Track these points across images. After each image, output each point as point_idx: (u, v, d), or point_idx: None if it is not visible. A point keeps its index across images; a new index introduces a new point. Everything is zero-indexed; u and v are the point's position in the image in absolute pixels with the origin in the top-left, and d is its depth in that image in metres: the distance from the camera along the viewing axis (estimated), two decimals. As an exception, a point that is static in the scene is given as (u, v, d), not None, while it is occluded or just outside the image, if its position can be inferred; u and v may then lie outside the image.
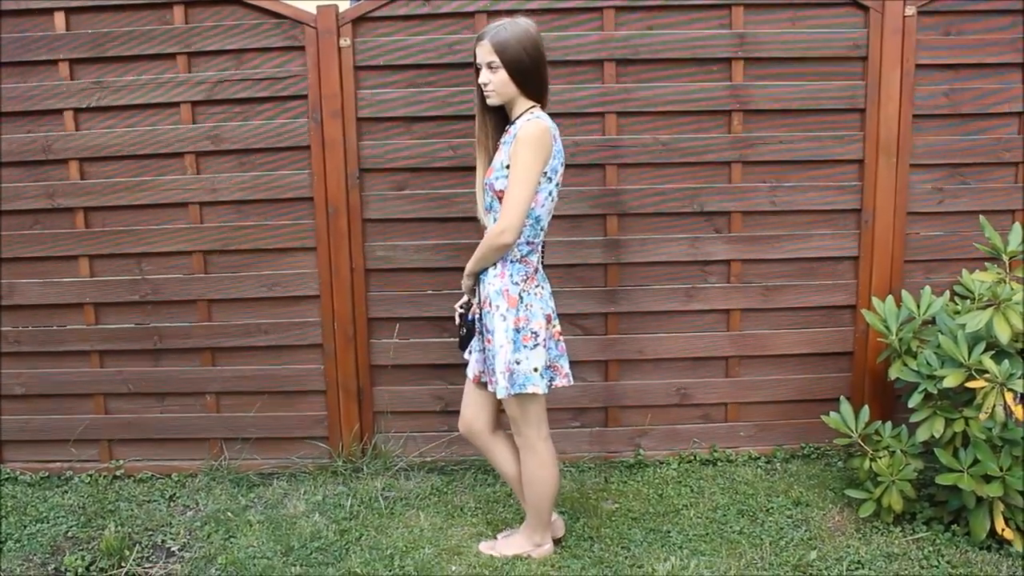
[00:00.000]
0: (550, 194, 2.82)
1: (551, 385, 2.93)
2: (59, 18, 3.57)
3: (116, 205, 3.71)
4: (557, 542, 3.19)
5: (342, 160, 3.63)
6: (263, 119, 3.65)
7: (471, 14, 3.55)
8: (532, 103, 2.81)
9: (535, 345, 2.83)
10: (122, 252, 3.74)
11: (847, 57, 3.59)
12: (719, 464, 3.81)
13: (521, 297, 2.83)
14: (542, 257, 2.94)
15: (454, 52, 3.56)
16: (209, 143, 3.65)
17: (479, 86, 2.81)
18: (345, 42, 3.55)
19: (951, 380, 3.00)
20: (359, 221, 3.68)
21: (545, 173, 2.76)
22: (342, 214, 3.66)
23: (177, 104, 3.63)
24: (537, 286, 2.88)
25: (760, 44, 3.56)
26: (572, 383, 3.01)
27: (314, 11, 3.55)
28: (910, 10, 3.52)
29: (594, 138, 3.62)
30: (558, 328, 2.96)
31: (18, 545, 3.33)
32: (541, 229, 2.86)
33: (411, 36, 3.58)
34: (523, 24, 2.75)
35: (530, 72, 2.76)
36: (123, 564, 3.17)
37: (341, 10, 3.57)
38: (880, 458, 3.22)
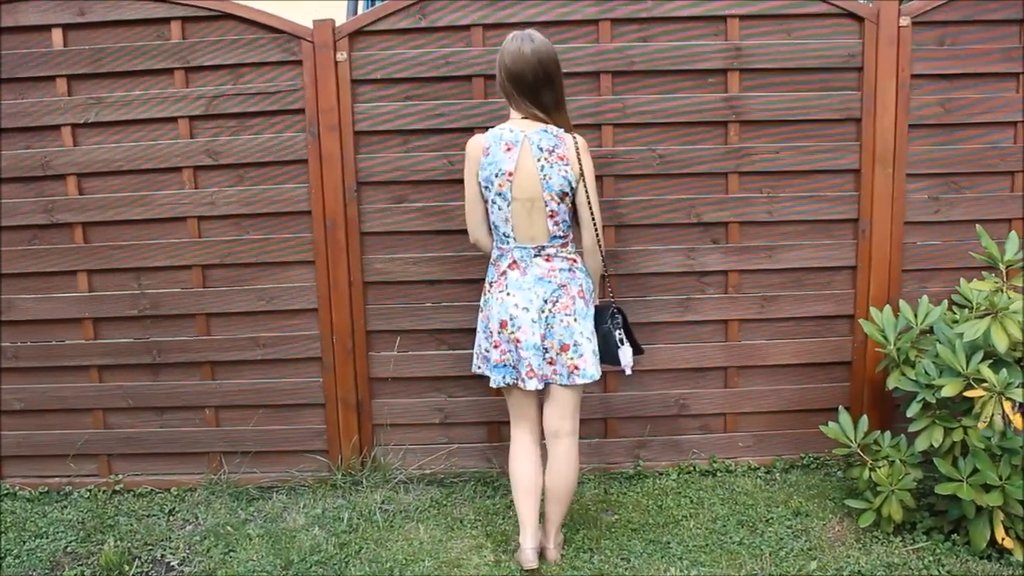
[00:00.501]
0: (493, 202, 2.95)
1: (514, 384, 3.03)
2: (57, 34, 3.59)
3: (115, 220, 3.71)
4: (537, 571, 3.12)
5: (340, 173, 3.64)
6: (261, 133, 3.66)
7: (467, 27, 3.56)
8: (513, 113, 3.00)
9: (491, 343, 3.03)
10: (121, 267, 3.75)
11: (843, 68, 3.59)
12: (718, 475, 3.80)
13: (486, 295, 3.04)
14: (528, 265, 2.96)
15: (450, 65, 3.57)
16: (207, 157, 3.66)
17: None
18: (342, 56, 3.57)
19: (949, 389, 3.00)
20: (357, 234, 3.69)
21: (480, 183, 2.95)
22: (340, 227, 3.67)
23: (175, 119, 3.64)
24: (502, 291, 2.98)
25: (756, 55, 3.58)
26: (539, 387, 3.01)
27: (311, 25, 3.57)
28: (905, 20, 3.53)
29: (591, 149, 3.61)
30: (518, 336, 2.95)
31: (17, 561, 3.32)
32: (504, 235, 2.98)
33: (407, 49, 3.59)
34: (508, 37, 2.94)
35: (497, 83, 2.96)
36: (122, 579, 3.18)
37: (338, 24, 3.58)
38: (879, 468, 3.22)
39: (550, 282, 2.95)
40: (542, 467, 3.12)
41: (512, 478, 3.11)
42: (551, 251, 2.95)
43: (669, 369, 3.80)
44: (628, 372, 3.02)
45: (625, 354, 3.01)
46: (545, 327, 2.95)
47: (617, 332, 3.00)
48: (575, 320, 2.95)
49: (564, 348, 2.95)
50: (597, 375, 2.99)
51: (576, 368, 2.96)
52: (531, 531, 3.07)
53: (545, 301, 2.94)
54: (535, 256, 2.96)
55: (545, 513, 3.14)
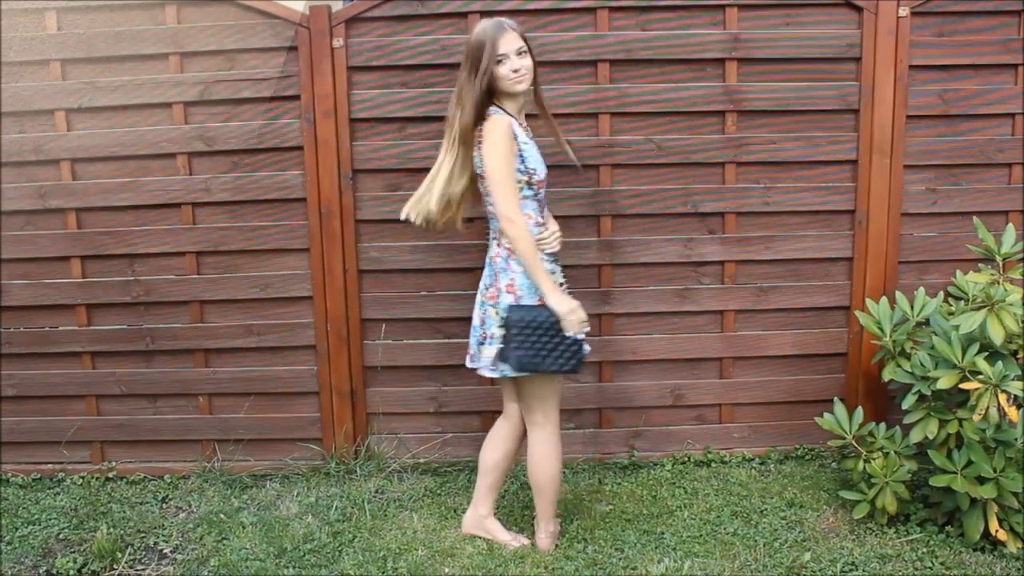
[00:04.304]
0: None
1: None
2: (50, 18, 3.55)
3: (108, 206, 3.69)
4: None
5: (335, 161, 3.62)
6: (256, 119, 3.64)
7: (464, 15, 3.54)
8: None
9: None
10: (114, 253, 3.73)
11: (841, 58, 3.58)
12: (713, 465, 3.80)
13: None
14: (489, 246, 3.05)
15: (447, 53, 3.54)
16: (201, 143, 3.63)
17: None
18: (338, 43, 3.54)
19: (945, 381, 3.00)
20: (352, 222, 3.67)
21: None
22: (335, 215, 3.65)
23: (169, 104, 3.61)
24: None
25: (754, 45, 3.56)
26: (473, 366, 3.08)
27: (307, 11, 3.54)
28: (904, 11, 3.51)
29: (588, 138, 3.60)
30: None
31: (9, 547, 3.31)
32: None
33: (404, 37, 3.56)
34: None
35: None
36: (115, 566, 3.17)
37: (334, 10, 3.56)
38: (874, 459, 3.22)
39: (491, 267, 3.00)
40: (512, 447, 3.18)
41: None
42: (494, 236, 3.00)
43: (665, 359, 3.79)
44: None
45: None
46: (482, 311, 3.02)
47: (496, 330, 2.93)
48: (496, 313, 2.94)
49: (484, 336, 3.00)
50: (496, 373, 2.95)
51: (485, 356, 3.00)
52: (473, 500, 3.29)
53: (485, 286, 3.01)
54: (492, 239, 3.02)
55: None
